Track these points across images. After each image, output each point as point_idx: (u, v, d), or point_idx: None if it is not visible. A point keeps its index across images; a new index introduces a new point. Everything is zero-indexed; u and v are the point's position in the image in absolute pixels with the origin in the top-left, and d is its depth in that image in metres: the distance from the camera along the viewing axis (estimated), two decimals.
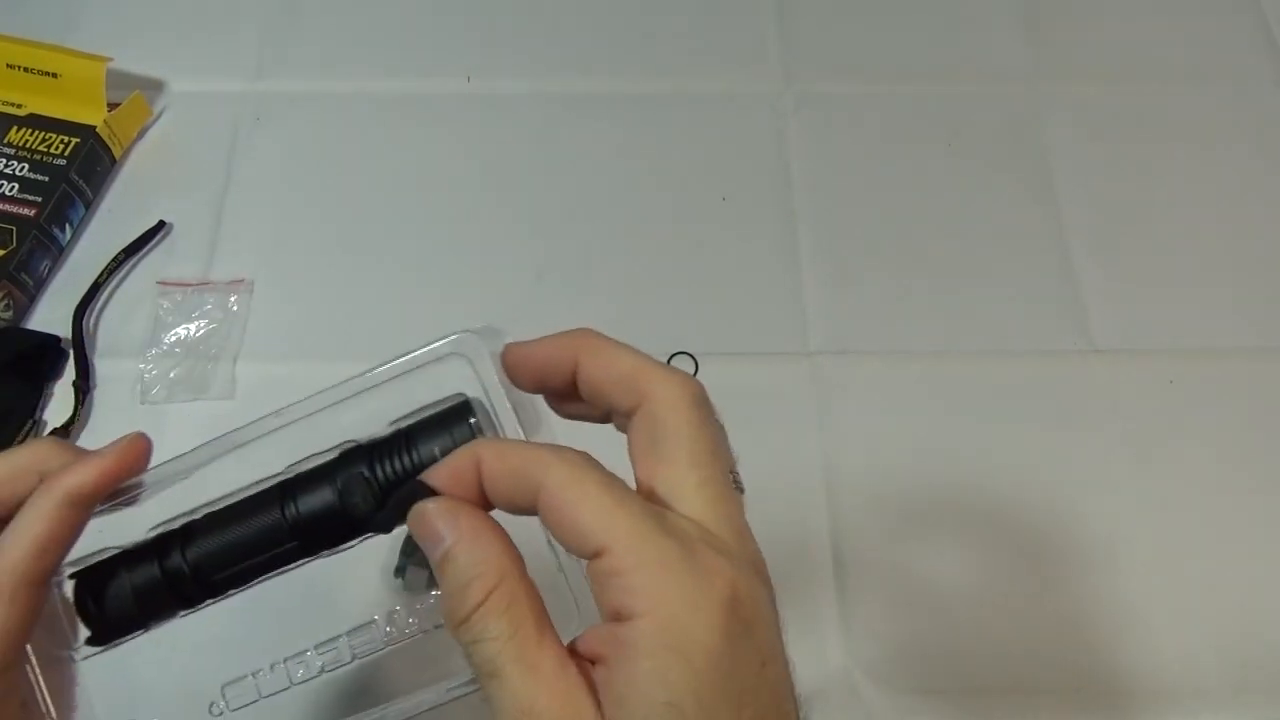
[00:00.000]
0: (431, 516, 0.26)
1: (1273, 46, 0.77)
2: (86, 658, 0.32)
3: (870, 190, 0.71)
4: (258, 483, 0.32)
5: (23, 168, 0.67)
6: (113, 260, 0.66)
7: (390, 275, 0.68)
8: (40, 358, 0.63)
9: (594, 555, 0.24)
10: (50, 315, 0.65)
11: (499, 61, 0.76)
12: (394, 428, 0.30)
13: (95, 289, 0.66)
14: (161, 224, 0.68)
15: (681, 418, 0.27)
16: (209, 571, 0.31)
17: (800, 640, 0.61)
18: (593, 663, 0.25)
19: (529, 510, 0.26)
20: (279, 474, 0.32)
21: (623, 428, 0.29)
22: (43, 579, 0.29)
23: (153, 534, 0.32)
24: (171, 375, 0.63)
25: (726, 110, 0.74)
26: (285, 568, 0.32)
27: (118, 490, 0.31)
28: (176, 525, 0.32)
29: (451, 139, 0.73)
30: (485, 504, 0.27)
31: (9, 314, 0.64)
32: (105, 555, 0.32)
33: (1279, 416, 0.63)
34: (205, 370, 0.63)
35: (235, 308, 0.65)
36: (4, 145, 0.68)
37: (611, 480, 0.25)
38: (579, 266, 0.68)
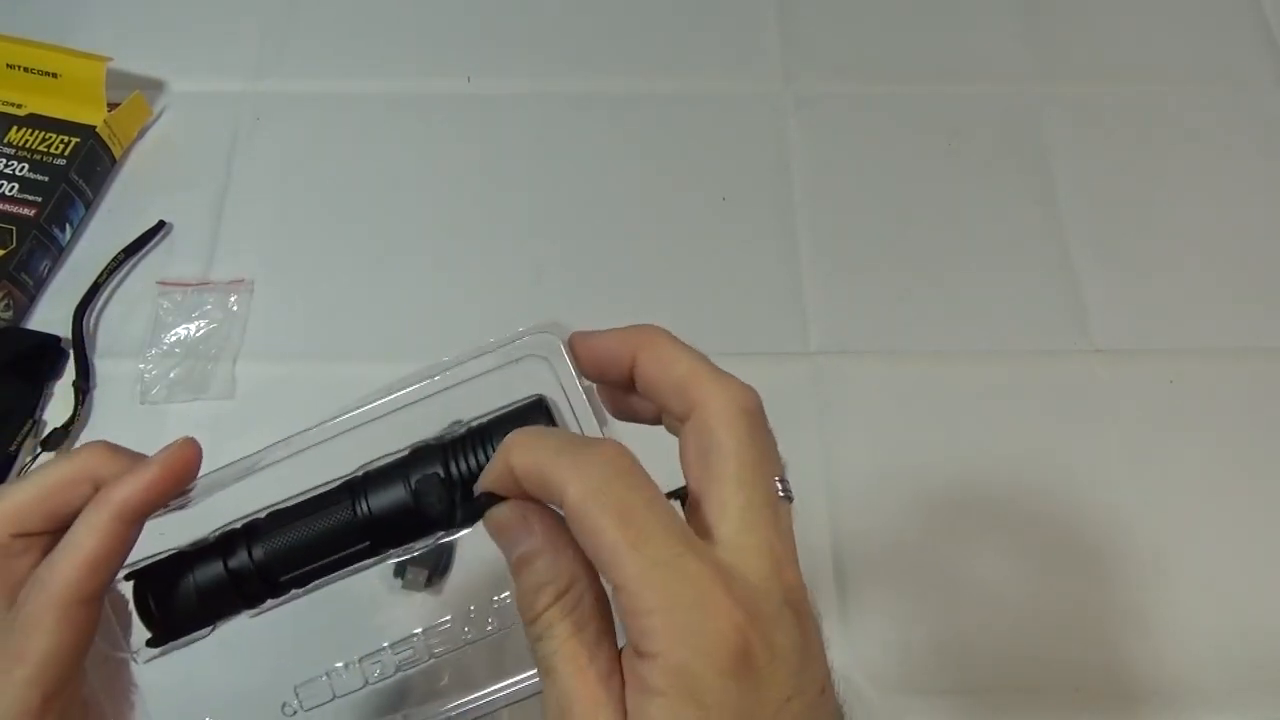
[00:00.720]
0: (506, 522, 0.27)
1: (1273, 46, 0.77)
2: (148, 660, 0.32)
3: (870, 190, 0.71)
4: (326, 483, 0.31)
5: (23, 168, 0.67)
6: (113, 260, 0.66)
7: (390, 275, 0.68)
8: (40, 358, 0.63)
9: (612, 585, 0.25)
10: (50, 315, 0.65)
11: (499, 61, 0.76)
12: (467, 426, 0.30)
13: (95, 289, 0.66)
14: (161, 224, 0.68)
15: (730, 431, 0.27)
16: (276, 570, 0.31)
17: None
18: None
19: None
20: (348, 474, 0.31)
21: (675, 430, 0.29)
22: (96, 596, 0.29)
23: (216, 534, 0.31)
24: (171, 375, 0.63)
25: (726, 110, 0.74)
26: (354, 567, 0.32)
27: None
28: (240, 525, 0.31)
29: (451, 139, 0.73)
30: None
31: (9, 314, 0.64)
32: (165, 555, 0.31)
33: (1279, 416, 0.63)
34: (205, 370, 0.63)
35: (235, 308, 0.65)
36: (4, 145, 0.68)
37: (633, 504, 0.25)
38: (578, 266, 0.68)
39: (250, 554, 0.31)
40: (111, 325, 0.65)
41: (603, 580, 0.26)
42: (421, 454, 0.30)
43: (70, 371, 0.63)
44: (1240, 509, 0.60)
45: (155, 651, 0.32)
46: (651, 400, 0.29)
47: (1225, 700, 0.55)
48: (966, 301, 0.67)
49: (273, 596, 0.32)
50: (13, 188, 0.66)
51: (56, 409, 0.62)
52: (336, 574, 0.32)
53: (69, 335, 0.64)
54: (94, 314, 0.66)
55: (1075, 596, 0.58)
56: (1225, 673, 0.56)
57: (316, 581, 0.32)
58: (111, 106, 0.70)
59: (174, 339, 0.64)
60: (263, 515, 0.31)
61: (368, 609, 0.58)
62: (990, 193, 0.71)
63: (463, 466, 0.30)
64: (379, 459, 0.31)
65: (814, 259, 0.68)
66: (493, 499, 0.28)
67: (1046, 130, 0.73)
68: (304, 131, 0.73)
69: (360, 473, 0.31)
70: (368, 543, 0.31)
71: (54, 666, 0.28)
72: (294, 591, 0.32)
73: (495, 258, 0.68)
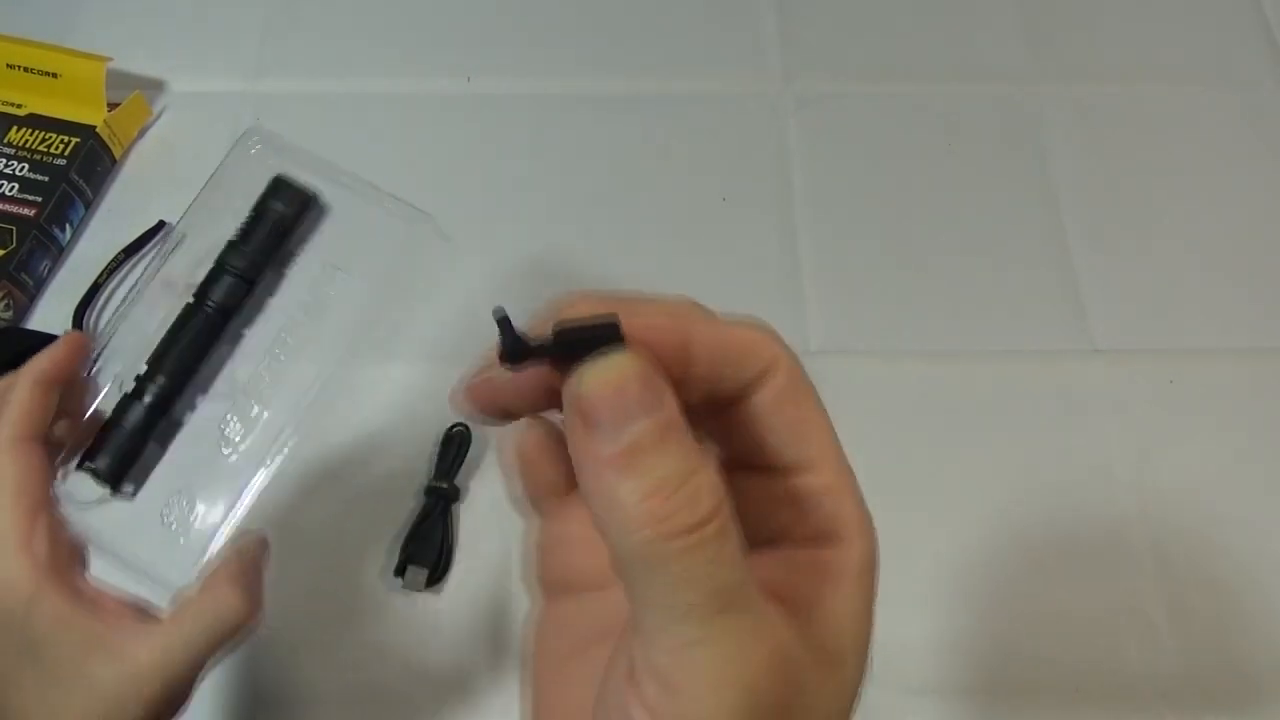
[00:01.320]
0: (635, 378, 0.20)
1: (1273, 46, 0.77)
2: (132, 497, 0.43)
3: (870, 190, 0.71)
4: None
5: (23, 168, 0.67)
6: (113, 260, 0.66)
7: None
8: None
9: (801, 468, 0.23)
10: (50, 315, 0.65)
11: (499, 61, 0.76)
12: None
13: (95, 289, 0.66)
14: (161, 224, 0.68)
15: (814, 397, 0.24)
16: (177, 379, 0.43)
17: None
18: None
19: (721, 399, 0.23)
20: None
21: (721, 404, 0.23)
22: (37, 436, 0.38)
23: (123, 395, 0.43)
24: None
25: (726, 110, 0.74)
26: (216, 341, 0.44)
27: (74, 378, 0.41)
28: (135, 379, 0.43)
29: (451, 139, 0.73)
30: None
31: (9, 314, 0.64)
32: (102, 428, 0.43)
33: (1279, 416, 0.63)
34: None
35: None
36: (4, 145, 0.68)
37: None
38: (578, 266, 0.68)
39: (152, 380, 0.43)
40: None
41: (765, 462, 0.23)
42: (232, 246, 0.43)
43: None
44: (1240, 508, 0.60)
45: (131, 488, 0.43)
46: (712, 377, 0.23)
47: (1226, 700, 0.55)
48: (966, 301, 0.67)
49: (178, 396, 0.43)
50: (13, 188, 0.66)
51: None
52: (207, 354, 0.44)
53: None
54: (94, 314, 0.66)
55: (1075, 596, 0.58)
56: (1226, 672, 0.56)
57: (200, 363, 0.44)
58: (111, 106, 0.70)
59: None
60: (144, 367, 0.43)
61: (368, 609, 0.58)
62: (990, 193, 0.71)
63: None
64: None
65: (814, 259, 0.68)
66: (590, 336, 0.20)
67: (1046, 130, 0.73)
68: (304, 131, 0.72)
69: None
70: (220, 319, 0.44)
71: (25, 489, 0.37)
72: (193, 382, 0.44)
73: (494, 257, 0.68)
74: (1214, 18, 0.78)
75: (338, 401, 0.63)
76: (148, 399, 0.42)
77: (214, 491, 0.43)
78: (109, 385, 0.43)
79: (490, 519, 0.60)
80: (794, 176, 0.71)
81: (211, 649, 0.38)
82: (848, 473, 0.24)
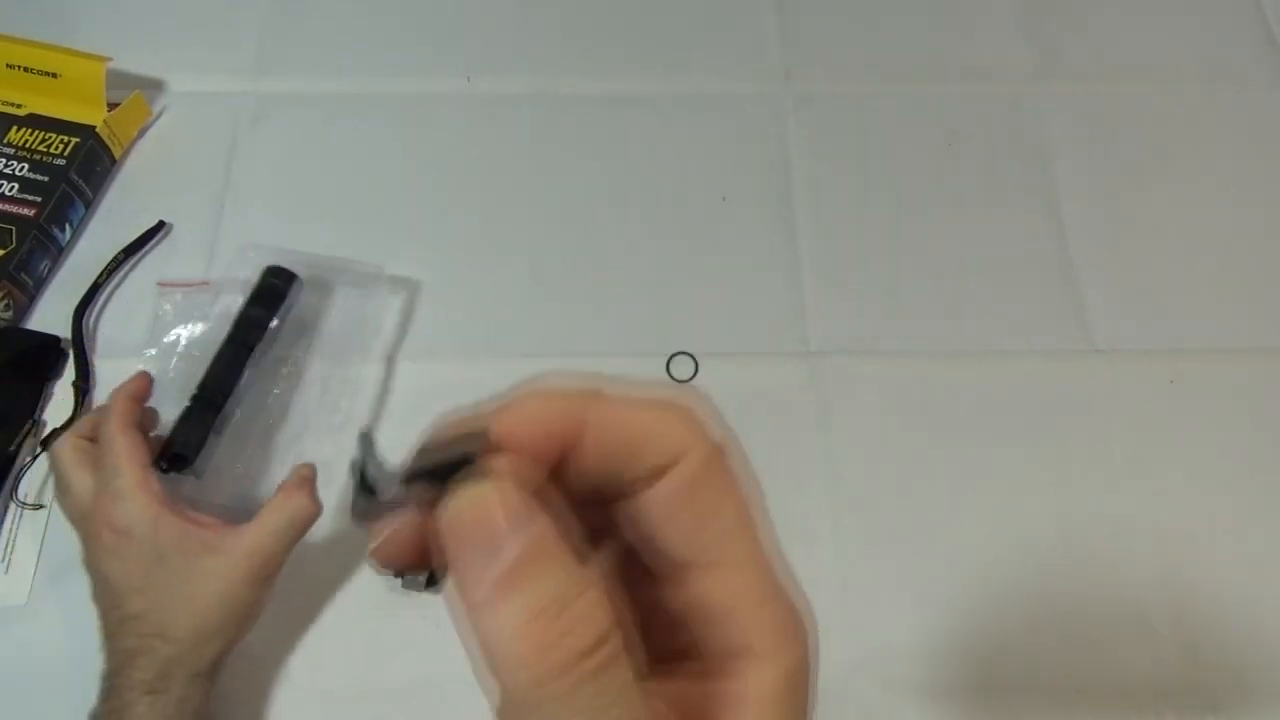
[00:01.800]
0: (498, 503, 0.19)
1: (1273, 46, 0.77)
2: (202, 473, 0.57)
3: (870, 190, 0.71)
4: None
5: (23, 168, 0.67)
6: (113, 260, 0.66)
7: (389, 274, 0.67)
8: (40, 358, 0.63)
9: (704, 570, 0.20)
10: (50, 315, 0.65)
11: (499, 61, 0.76)
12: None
13: (95, 289, 0.66)
14: (161, 224, 0.68)
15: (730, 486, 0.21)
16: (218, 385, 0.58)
17: None
18: None
19: (618, 490, 0.21)
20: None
21: (624, 496, 0.21)
22: (134, 425, 0.52)
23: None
24: (170, 375, 0.63)
25: (726, 110, 0.74)
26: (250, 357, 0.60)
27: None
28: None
29: (451, 139, 0.73)
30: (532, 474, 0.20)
31: (9, 314, 0.64)
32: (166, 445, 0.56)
33: (1279, 416, 0.63)
34: (183, 376, 0.63)
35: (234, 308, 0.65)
36: (4, 145, 0.68)
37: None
38: (578, 266, 0.68)
39: (205, 388, 0.58)
40: (111, 325, 0.65)
41: (661, 562, 0.21)
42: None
43: (70, 371, 0.63)
44: (1240, 508, 0.60)
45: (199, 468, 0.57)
46: (608, 466, 0.21)
47: (1226, 700, 0.55)
48: (966, 301, 0.67)
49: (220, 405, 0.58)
50: (13, 188, 0.66)
51: (56, 409, 0.62)
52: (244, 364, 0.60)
53: (69, 335, 0.64)
54: (94, 314, 0.66)
55: (1075, 596, 0.58)
56: (1226, 672, 0.56)
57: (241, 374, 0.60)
58: (111, 106, 0.70)
59: (172, 339, 0.64)
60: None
61: (368, 609, 0.58)
62: (990, 193, 0.71)
63: None
64: None
65: (814, 259, 0.68)
66: (447, 468, 0.20)
67: (1046, 130, 0.73)
68: (304, 131, 0.73)
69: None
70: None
71: (136, 453, 0.51)
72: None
73: (494, 257, 0.68)
74: (1214, 18, 0.79)
75: (338, 402, 0.63)
76: (206, 404, 0.58)
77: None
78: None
79: None
80: (794, 176, 0.71)
81: (290, 538, 0.52)
82: (762, 574, 0.21)
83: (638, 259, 0.68)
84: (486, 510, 0.19)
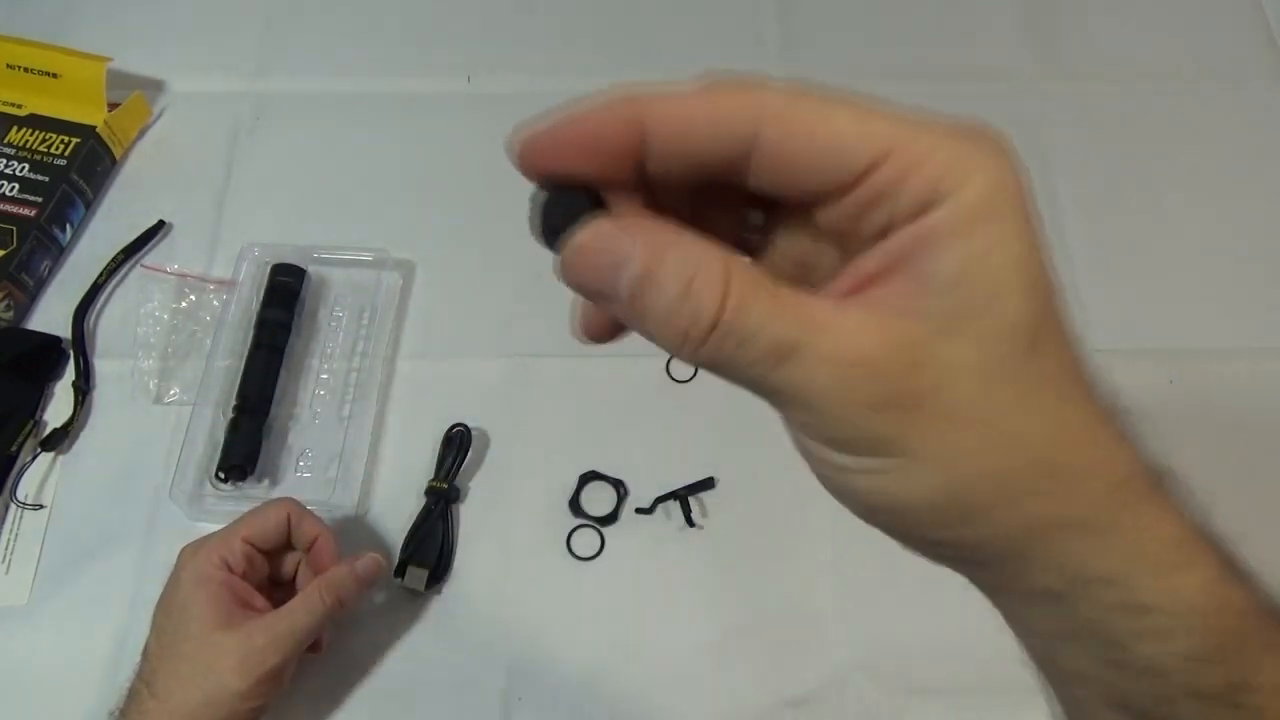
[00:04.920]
0: (591, 245, 0.21)
1: (1273, 46, 0.77)
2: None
3: None
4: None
5: (23, 168, 0.67)
6: (113, 260, 0.66)
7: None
8: (40, 358, 0.63)
9: (866, 168, 0.20)
10: (50, 315, 0.65)
11: (499, 61, 0.76)
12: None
13: (95, 289, 0.66)
14: (161, 224, 0.68)
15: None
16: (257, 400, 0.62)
17: (800, 640, 0.61)
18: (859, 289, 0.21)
19: (721, 168, 0.21)
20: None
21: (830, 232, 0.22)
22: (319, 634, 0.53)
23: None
24: (169, 375, 0.63)
25: None
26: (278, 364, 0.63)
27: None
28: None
29: (451, 139, 0.72)
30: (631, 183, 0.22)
31: (9, 314, 0.64)
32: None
33: (1279, 416, 0.63)
34: (200, 370, 0.63)
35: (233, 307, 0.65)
36: (4, 145, 0.68)
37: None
38: None
39: (246, 398, 0.61)
40: (111, 325, 0.65)
41: (822, 185, 0.21)
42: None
43: (70, 371, 0.63)
44: (1240, 508, 0.60)
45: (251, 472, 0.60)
46: (786, 186, 0.22)
47: None
48: None
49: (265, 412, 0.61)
50: (13, 188, 0.66)
51: (56, 409, 0.62)
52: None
53: (69, 335, 0.64)
54: (94, 314, 0.66)
55: None
56: None
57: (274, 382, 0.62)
58: (111, 106, 0.70)
59: (169, 339, 0.64)
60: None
61: (369, 609, 0.58)
62: None
63: None
64: None
65: None
66: (568, 205, 0.23)
67: (1046, 130, 0.73)
68: (304, 131, 0.73)
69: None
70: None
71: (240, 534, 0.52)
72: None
73: (495, 258, 0.68)
74: (1214, 17, 0.78)
75: (345, 393, 0.63)
76: (252, 413, 0.61)
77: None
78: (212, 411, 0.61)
79: (490, 519, 0.60)
80: None
81: (295, 646, 0.50)
82: (917, 130, 0.20)
83: None
84: (585, 249, 0.21)
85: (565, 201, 0.22)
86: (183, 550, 0.52)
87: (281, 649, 0.49)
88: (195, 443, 0.60)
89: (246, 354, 0.62)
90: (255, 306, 0.64)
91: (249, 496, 0.59)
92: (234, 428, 0.60)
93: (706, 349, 0.20)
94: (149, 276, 0.66)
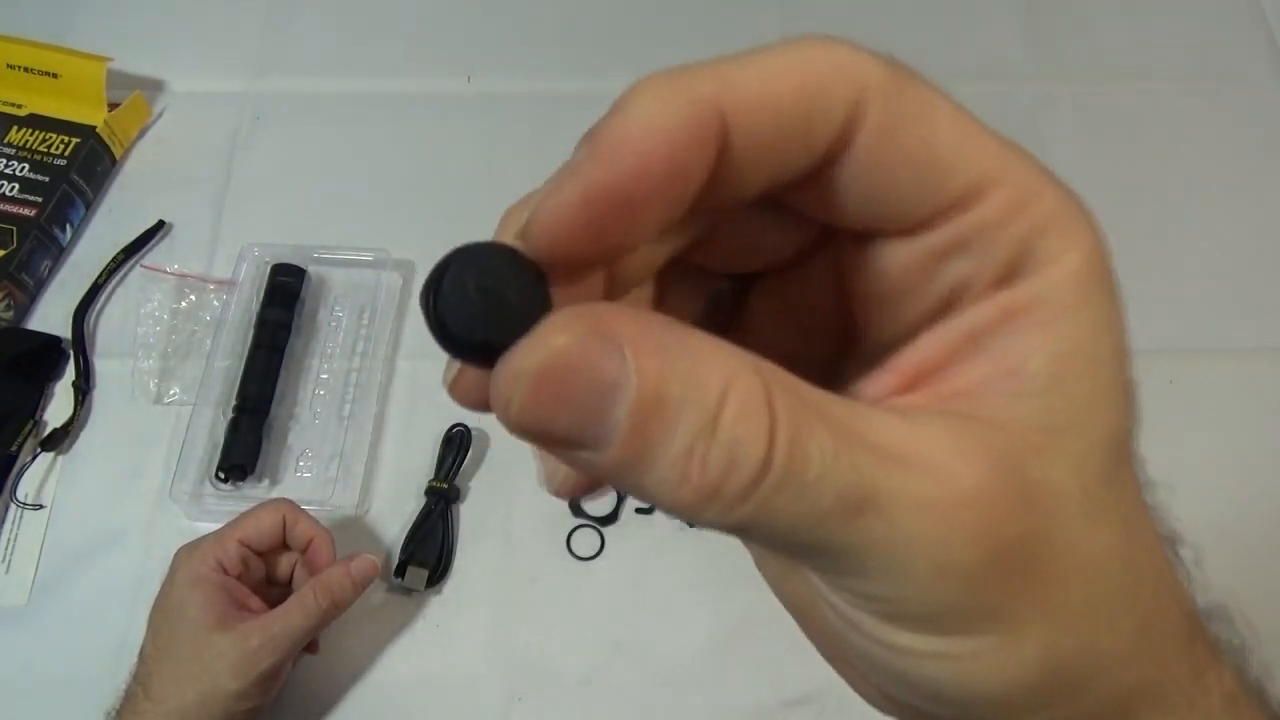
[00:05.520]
0: (569, 357, 0.14)
1: (1273, 46, 0.77)
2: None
3: None
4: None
5: (23, 168, 0.67)
6: (112, 260, 0.66)
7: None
8: (40, 358, 0.63)
9: (959, 199, 0.15)
10: (50, 315, 0.65)
11: (499, 61, 0.76)
12: None
13: (95, 289, 0.66)
14: (161, 224, 0.68)
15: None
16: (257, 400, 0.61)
17: (799, 640, 0.61)
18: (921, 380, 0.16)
19: (801, 168, 0.15)
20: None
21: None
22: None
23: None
24: (169, 375, 0.63)
25: None
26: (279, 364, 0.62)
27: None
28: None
29: (451, 139, 0.72)
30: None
31: (9, 314, 0.64)
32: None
33: (1279, 416, 0.63)
34: (200, 370, 0.63)
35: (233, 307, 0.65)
36: (4, 145, 0.68)
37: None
38: None
39: (246, 397, 0.61)
40: (111, 325, 0.65)
41: (907, 213, 0.15)
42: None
43: (70, 371, 0.63)
44: (1240, 508, 0.60)
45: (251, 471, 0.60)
46: (776, 158, 0.15)
47: None
48: None
49: (266, 412, 0.61)
50: (13, 188, 0.66)
51: (56, 409, 0.62)
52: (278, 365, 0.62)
53: (69, 335, 0.64)
54: (94, 314, 0.66)
55: None
56: None
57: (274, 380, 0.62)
58: (111, 106, 0.70)
59: (168, 339, 0.64)
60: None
61: (368, 609, 0.58)
62: None
63: None
64: None
65: None
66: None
67: (1046, 130, 0.73)
68: (304, 131, 0.73)
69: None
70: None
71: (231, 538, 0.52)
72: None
73: None
74: (1214, 18, 0.78)
75: (346, 392, 0.63)
76: (252, 413, 0.61)
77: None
78: (213, 411, 0.61)
79: (490, 519, 0.60)
80: None
81: (290, 646, 0.50)
82: (1025, 171, 0.16)
83: None
84: (578, 346, 0.13)
85: (492, 285, 0.14)
86: (178, 552, 0.52)
87: (277, 650, 0.49)
88: (195, 443, 0.60)
89: (246, 354, 0.62)
90: (255, 306, 0.64)
91: (249, 497, 0.59)
92: (234, 428, 0.60)
93: (748, 508, 0.14)
94: (149, 277, 0.66)
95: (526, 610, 0.58)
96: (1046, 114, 0.74)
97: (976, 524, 0.14)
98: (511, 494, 0.61)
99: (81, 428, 0.62)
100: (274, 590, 0.55)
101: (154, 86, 0.74)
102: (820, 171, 0.15)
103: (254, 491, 0.60)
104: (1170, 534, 0.19)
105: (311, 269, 0.66)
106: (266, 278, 0.64)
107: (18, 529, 0.59)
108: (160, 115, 0.73)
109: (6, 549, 0.59)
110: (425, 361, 0.65)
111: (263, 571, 0.54)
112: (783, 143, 0.15)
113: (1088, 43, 0.78)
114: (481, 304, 0.14)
